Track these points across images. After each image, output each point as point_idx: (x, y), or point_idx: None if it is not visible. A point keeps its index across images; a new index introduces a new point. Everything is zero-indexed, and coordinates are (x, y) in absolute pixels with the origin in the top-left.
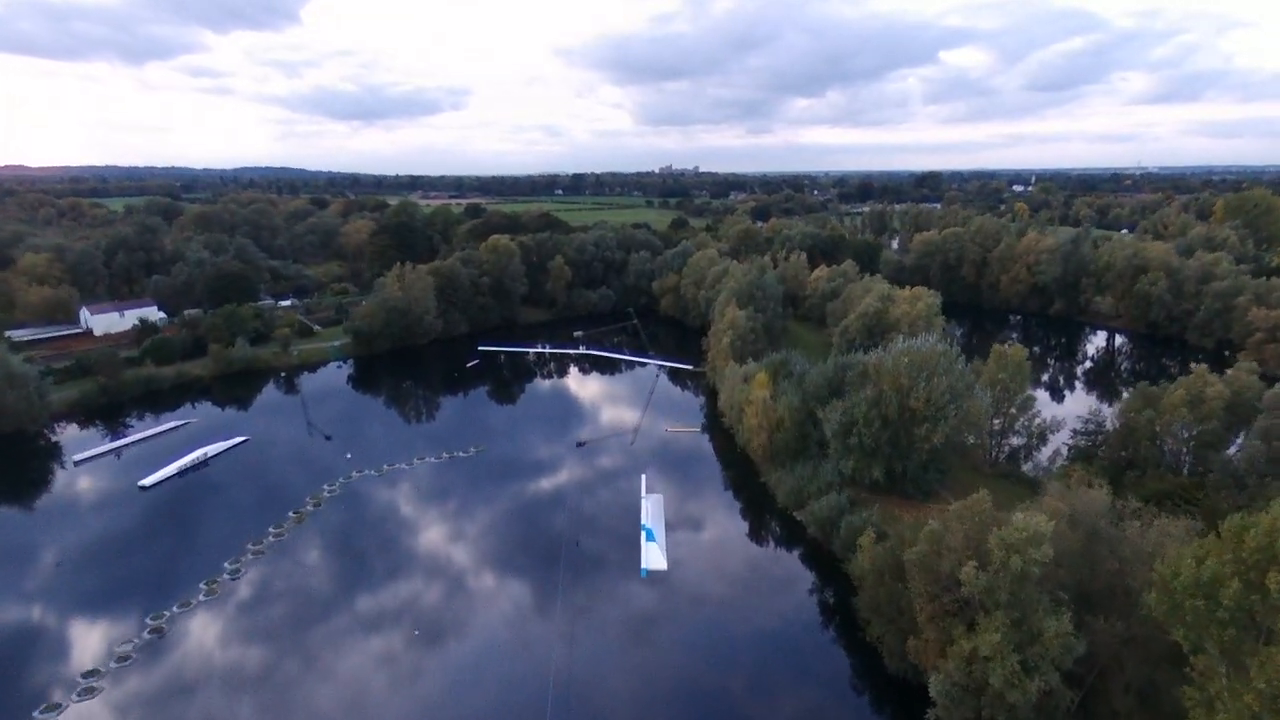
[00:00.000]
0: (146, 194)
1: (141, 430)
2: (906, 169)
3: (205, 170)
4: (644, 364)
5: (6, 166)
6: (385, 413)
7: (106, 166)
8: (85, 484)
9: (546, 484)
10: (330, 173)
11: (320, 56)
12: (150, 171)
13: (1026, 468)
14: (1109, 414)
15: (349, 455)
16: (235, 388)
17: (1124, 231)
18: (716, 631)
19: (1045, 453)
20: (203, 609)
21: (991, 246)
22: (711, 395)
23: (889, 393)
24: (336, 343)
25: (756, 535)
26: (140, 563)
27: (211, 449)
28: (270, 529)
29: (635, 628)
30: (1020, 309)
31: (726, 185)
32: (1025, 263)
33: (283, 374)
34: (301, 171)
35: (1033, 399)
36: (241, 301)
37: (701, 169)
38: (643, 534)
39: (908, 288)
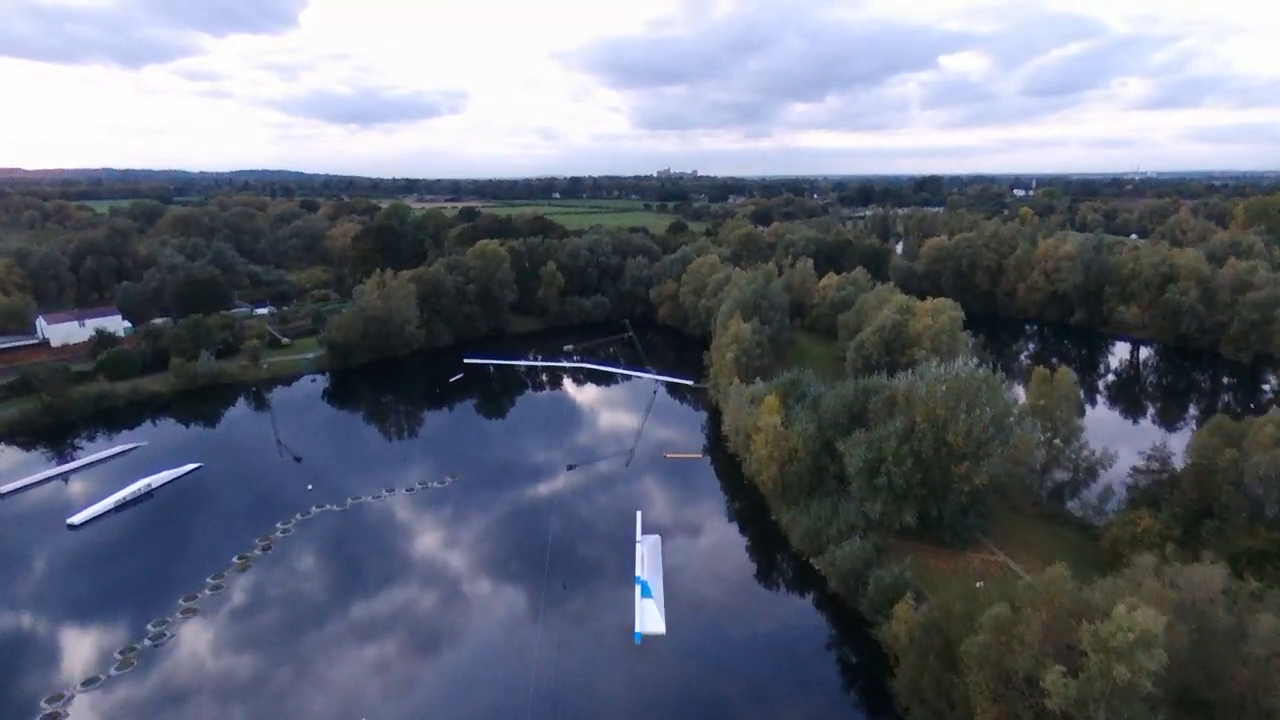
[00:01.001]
0: (138, 196)
1: (83, 456)
2: (905, 173)
3: (202, 173)
4: (641, 378)
5: (3, 169)
6: (359, 432)
7: (103, 169)
8: (9, 521)
9: (528, 520)
10: (327, 175)
11: (317, 60)
12: (147, 174)
13: (1072, 505)
14: (1158, 439)
15: (310, 486)
16: (198, 405)
17: (1134, 237)
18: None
19: (1094, 489)
20: (116, 684)
21: (1006, 253)
22: (714, 414)
23: (922, 425)
24: (310, 355)
25: (768, 586)
26: (47, 624)
27: (157, 479)
28: (209, 579)
29: (626, 712)
30: (1038, 318)
31: (725, 189)
32: (1043, 270)
33: (252, 389)
34: (298, 174)
35: (1080, 429)
36: (211, 310)
37: (700, 173)
38: (637, 588)
39: (928, 299)
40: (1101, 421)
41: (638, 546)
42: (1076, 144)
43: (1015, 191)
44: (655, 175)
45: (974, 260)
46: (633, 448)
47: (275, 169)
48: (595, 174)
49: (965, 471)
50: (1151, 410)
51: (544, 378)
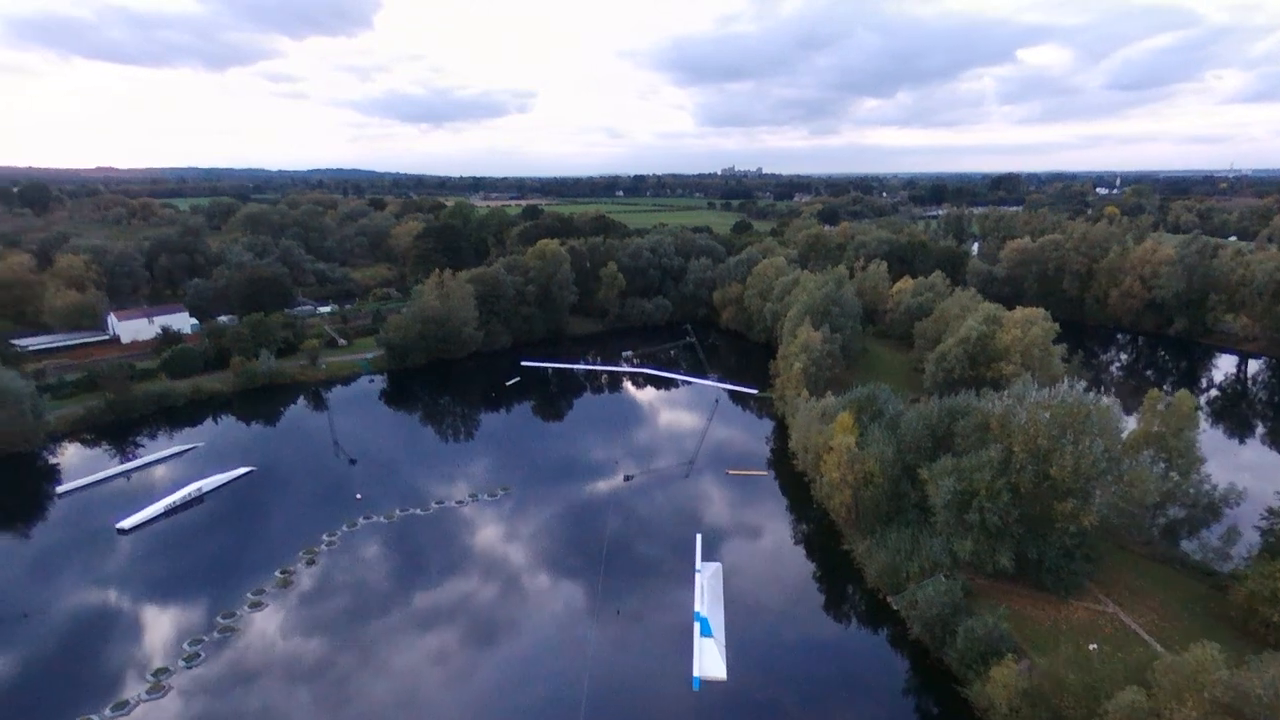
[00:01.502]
0: (219, 194)
1: (141, 456)
2: (979, 171)
3: (280, 171)
4: (702, 385)
5: (98, 168)
6: (414, 435)
7: (188, 168)
8: (59, 523)
9: (581, 540)
10: (396, 174)
11: (391, 61)
12: (228, 173)
13: (1189, 546)
14: None
15: (359, 496)
16: (257, 404)
17: (1234, 239)
18: None
19: (1216, 529)
20: (146, 709)
21: (1098, 256)
22: (780, 426)
23: (1021, 456)
24: (369, 355)
25: (840, 626)
26: (78, 638)
27: (207, 483)
28: (249, 593)
29: None
30: (1131, 327)
31: (790, 187)
32: (1138, 275)
33: (310, 389)
34: (370, 173)
35: (1201, 460)
36: (274, 308)
37: (764, 170)
38: (696, 625)
39: (1016, 308)
40: (1210, 447)
41: (697, 576)
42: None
43: (1098, 190)
44: (719, 173)
45: (1061, 264)
46: (692, 459)
47: (349, 168)
48: (659, 172)
49: (1071, 510)
50: (1263, 432)
51: (602, 382)
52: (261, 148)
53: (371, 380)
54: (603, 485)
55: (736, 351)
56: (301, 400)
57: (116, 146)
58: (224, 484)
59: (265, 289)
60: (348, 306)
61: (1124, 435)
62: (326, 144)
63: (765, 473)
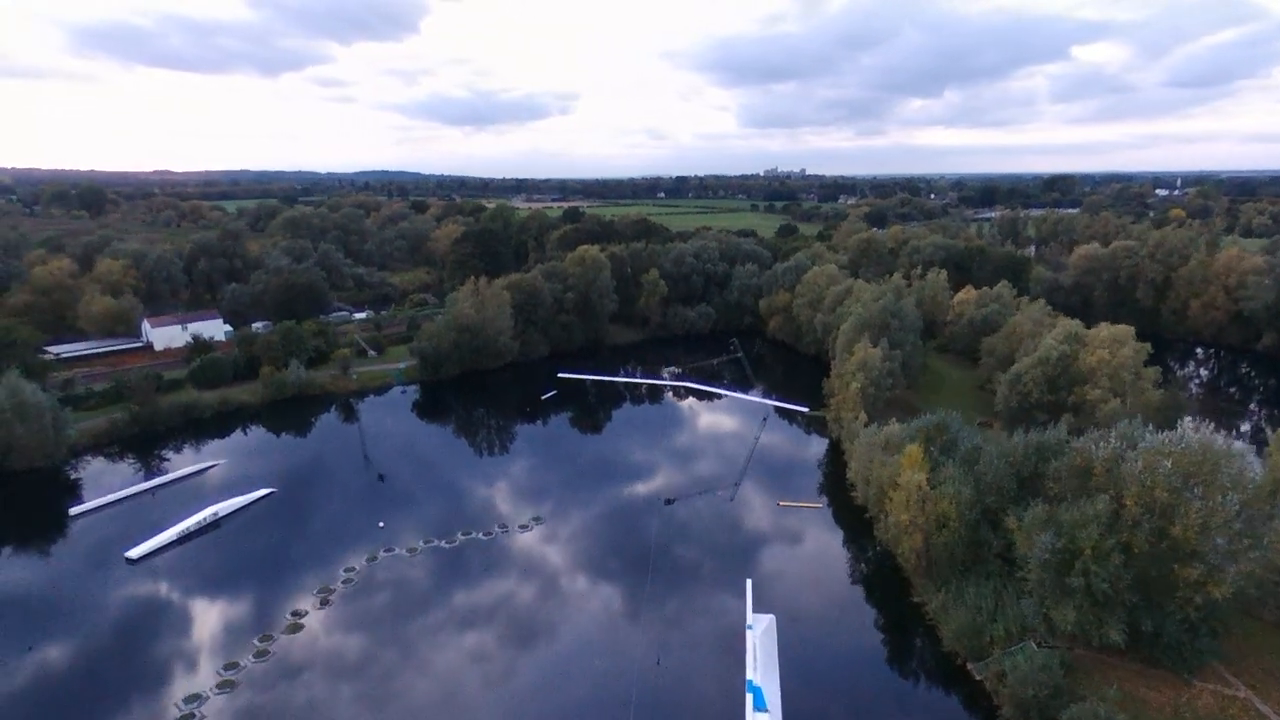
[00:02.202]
0: (269, 197)
1: (161, 474)
2: (1030, 171)
3: (329, 174)
4: (748, 401)
5: (155, 171)
6: (443, 453)
7: (241, 171)
8: (69, 549)
9: (618, 575)
10: (440, 176)
11: (437, 65)
12: (279, 175)
13: None
14: None
15: (381, 524)
16: (286, 416)
17: None
18: None
19: None
20: None
21: (1176, 264)
22: (834, 450)
23: (1134, 510)
24: (401, 364)
25: (913, 694)
26: (65, 689)
27: (224, 507)
28: (255, 640)
29: None
30: (1214, 341)
31: (835, 188)
32: (1223, 285)
33: (341, 401)
34: (416, 175)
35: None
36: (308, 315)
37: (808, 171)
38: (748, 697)
39: (1101, 325)
40: None
41: (748, 633)
42: (1227, 138)
43: (1158, 191)
44: (762, 174)
45: (1135, 272)
46: (738, 481)
47: (395, 170)
48: (701, 173)
49: (1197, 578)
50: None
51: (642, 395)
52: (311, 151)
53: (404, 391)
54: (641, 514)
55: (784, 363)
56: (332, 412)
57: (175, 151)
58: (242, 507)
59: (300, 295)
60: (383, 313)
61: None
62: (373, 147)
63: (820, 505)
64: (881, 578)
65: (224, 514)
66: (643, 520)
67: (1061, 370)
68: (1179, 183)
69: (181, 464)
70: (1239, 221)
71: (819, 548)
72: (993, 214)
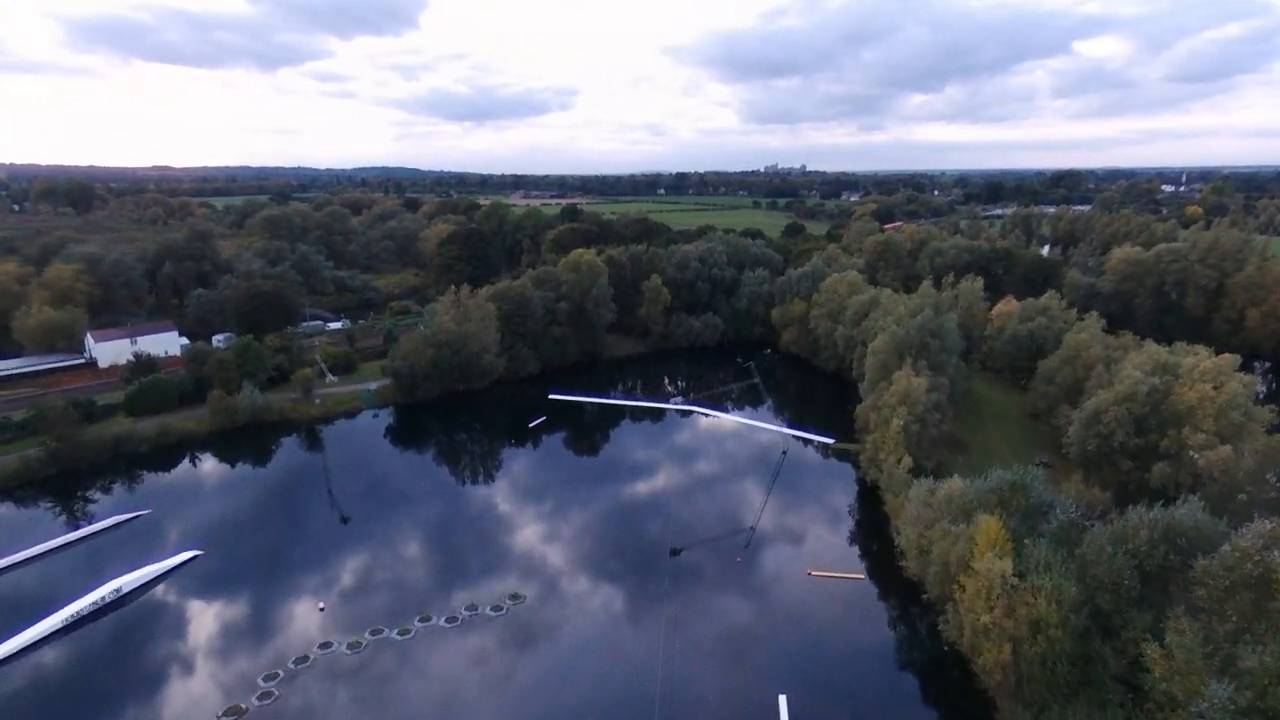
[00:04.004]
0: (264, 193)
1: (70, 530)
2: (1031, 168)
3: (327, 170)
4: (764, 428)
5: (154, 167)
6: (418, 490)
7: (240, 167)
8: None
9: (614, 684)
10: (440, 172)
11: (436, 60)
12: (278, 172)
13: None
14: None
15: (322, 606)
16: (237, 448)
17: None
18: None
19: None
20: None
21: (1231, 269)
22: (870, 496)
23: None
24: (373, 385)
25: None
26: None
27: (131, 580)
28: None
29: None
30: (1274, 354)
31: (837, 185)
32: None
33: (303, 428)
34: (414, 171)
35: None
36: (274, 327)
37: (809, 168)
38: None
39: (1198, 351)
40: None
41: None
42: (1228, 134)
43: (1165, 187)
44: (763, 170)
45: (1184, 278)
46: (753, 525)
47: (395, 166)
48: (701, 170)
49: None
50: None
51: (643, 420)
52: (311, 147)
53: (376, 415)
54: (644, 573)
55: (800, 381)
56: (292, 442)
57: (173, 147)
58: (154, 579)
59: (265, 305)
60: (361, 322)
61: None
62: (373, 142)
63: (861, 576)
64: (953, 692)
65: (128, 589)
66: (647, 584)
67: (1151, 408)
68: (1184, 178)
69: (101, 514)
70: (1259, 219)
71: (865, 643)
72: (1000, 211)
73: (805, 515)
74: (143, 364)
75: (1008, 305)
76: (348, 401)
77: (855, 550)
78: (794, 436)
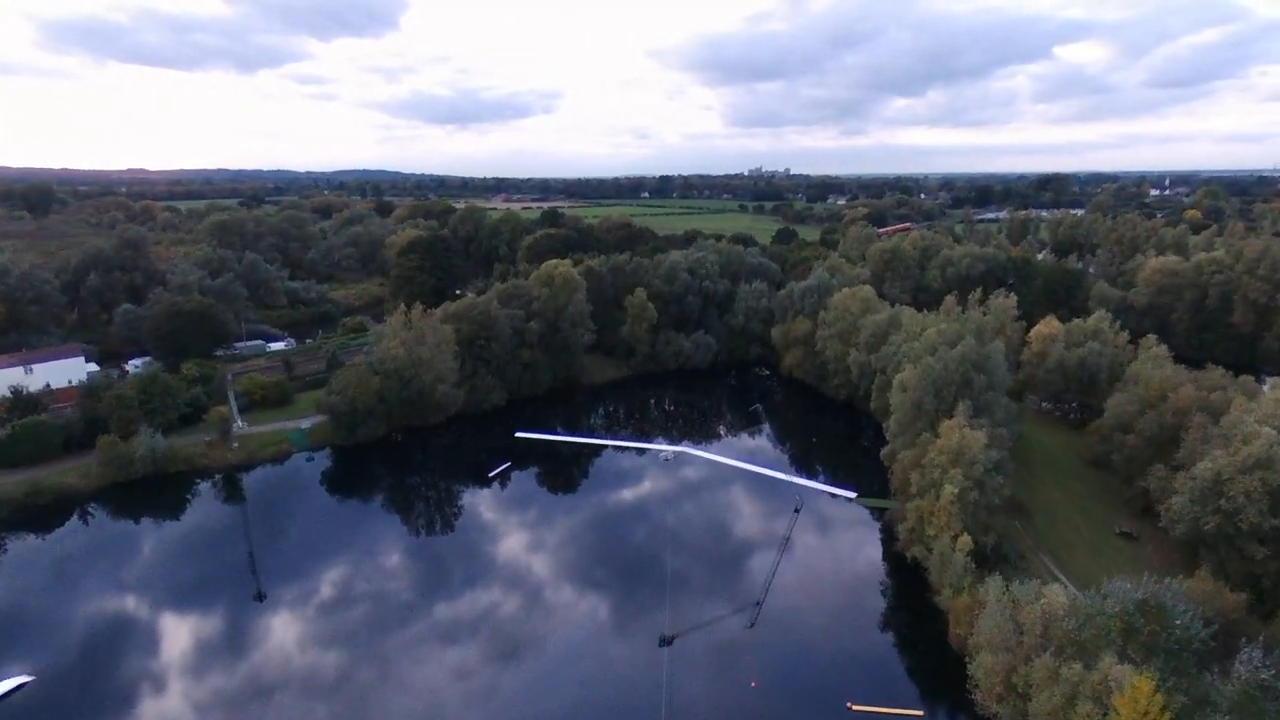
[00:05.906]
0: (239, 196)
1: None
2: (1012, 171)
3: (307, 173)
4: (773, 478)
5: (129, 170)
6: (353, 558)
7: (217, 169)
8: None
9: None
10: (421, 175)
11: (419, 62)
12: (256, 175)
13: None
14: None
15: None
16: (130, 508)
17: None
18: None
19: None
20: None
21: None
22: (912, 576)
23: None
24: (305, 423)
25: None
26: None
27: None
28: None
29: None
30: None
31: (823, 188)
32: None
33: (224, 475)
34: (396, 174)
35: None
36: (199, 351)
37: (793, 171)
38: None
39: None
40: None
41: None
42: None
43: (1153, 191)
44: (747, 174)
45: (1229, 291)
46: (760, 600)
47: (376, 169)
48: (686, 172)
49: None
50: None
51: (626, 461)
52: (291, 150)
53: (310, 459)
54: (624, 665)
55: (806, 411)
56: (204, 497)
57: (150, 149)
58: None
59: (189, 325)
60: (309, 341)
61: None
62: (354, 145)
63: (920, 714)
64: None
65: None
66: (635, 692)
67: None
68: (1167, 182)
69: None
70: (1260, 224)
71: None
72: (994, 215)
73: (828, 602)
74: (21, 401)
75: (1049, 326)
76: (274, 443)
77: (903, 664)
78: (807, 486)
